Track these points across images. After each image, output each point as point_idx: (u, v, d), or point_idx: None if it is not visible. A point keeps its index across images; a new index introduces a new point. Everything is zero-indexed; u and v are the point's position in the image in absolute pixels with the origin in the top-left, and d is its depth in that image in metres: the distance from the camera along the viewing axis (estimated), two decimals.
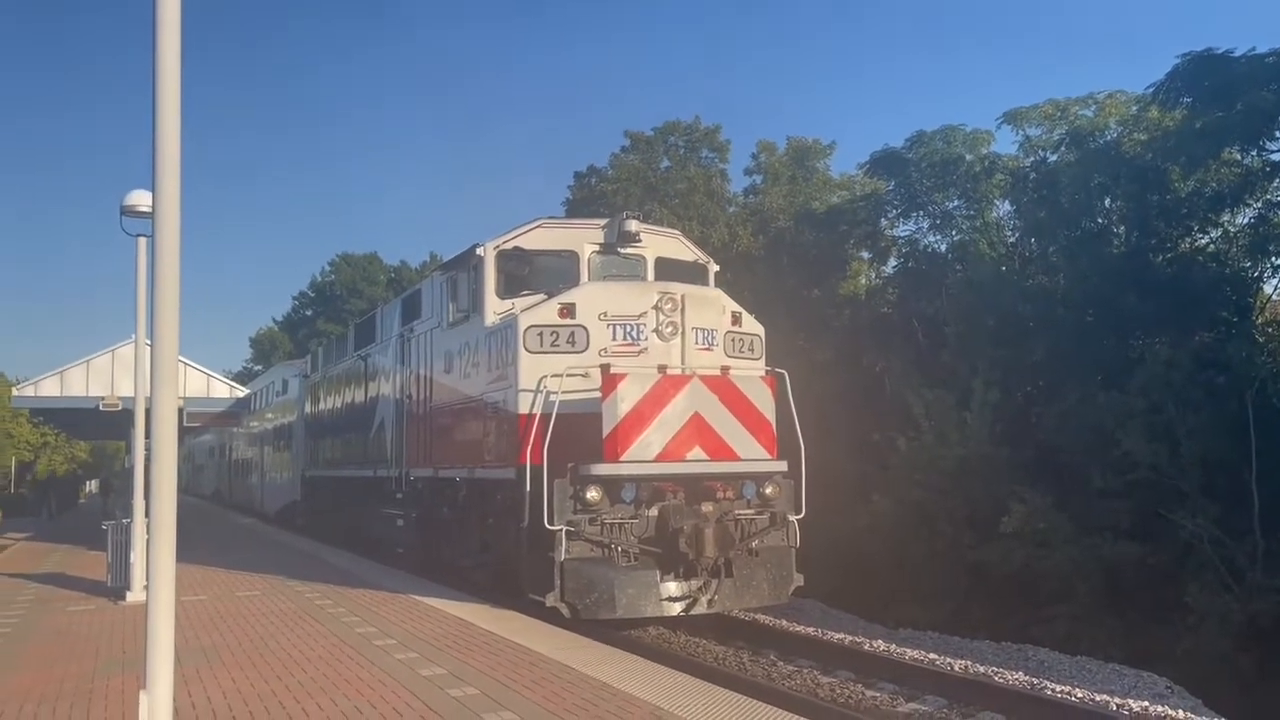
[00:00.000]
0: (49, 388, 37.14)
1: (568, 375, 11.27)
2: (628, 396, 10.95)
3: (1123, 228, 24.47)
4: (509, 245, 12.94)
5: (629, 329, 11.81)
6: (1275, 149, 21.11)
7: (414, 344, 15.82)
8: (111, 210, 12.91)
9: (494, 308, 12.80)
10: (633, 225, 12.84)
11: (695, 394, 11.20)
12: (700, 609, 11.13)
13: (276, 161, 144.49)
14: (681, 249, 13.78)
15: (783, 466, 11.75)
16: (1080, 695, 10.31)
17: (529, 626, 10.46)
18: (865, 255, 34.53)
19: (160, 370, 5.13)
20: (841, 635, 13.71)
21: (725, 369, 11.63)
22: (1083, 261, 23.45)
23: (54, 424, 66.63)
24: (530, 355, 11.73)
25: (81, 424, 52.59)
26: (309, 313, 77.96)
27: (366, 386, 18.68)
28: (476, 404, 12.99)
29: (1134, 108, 25.27)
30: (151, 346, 5.32)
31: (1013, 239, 29.67)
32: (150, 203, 5.61)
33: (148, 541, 5.21)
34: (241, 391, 40.33)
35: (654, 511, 11.36)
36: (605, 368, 11.10)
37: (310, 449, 24.00)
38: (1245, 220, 22.26)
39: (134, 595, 12.71)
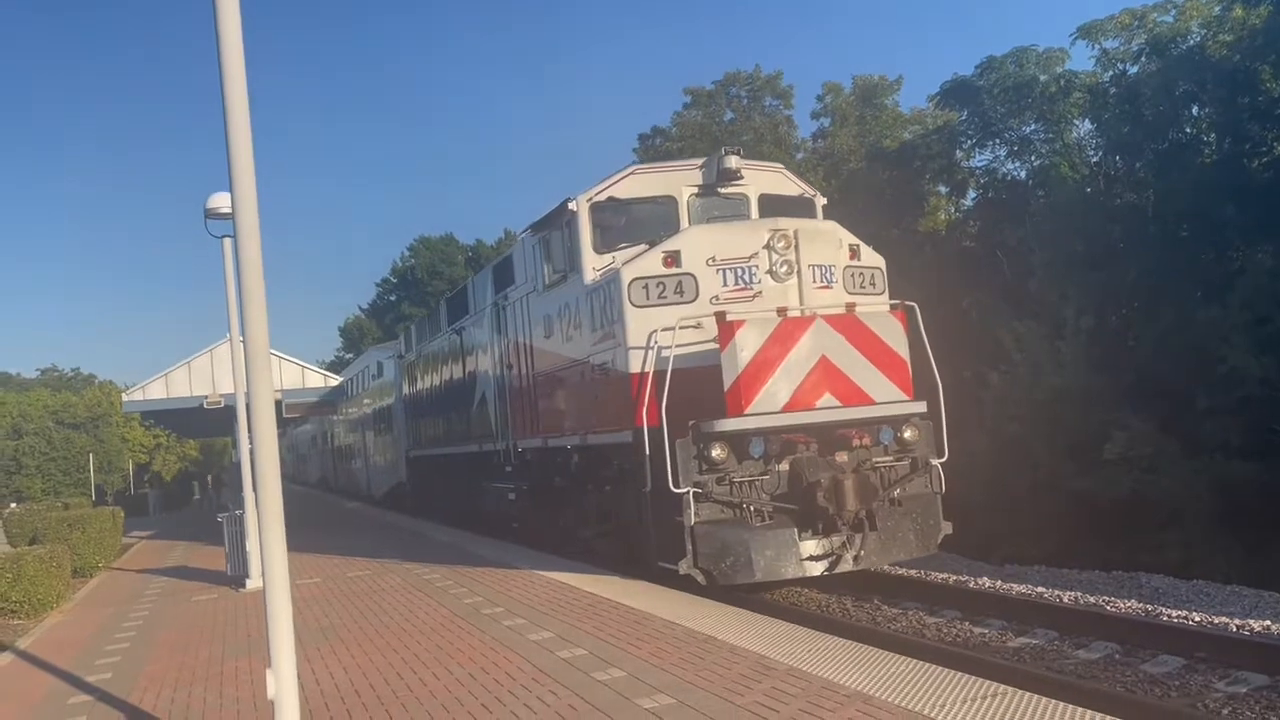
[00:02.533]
0: (155, 390, 38.43)
1: (680, 328, 10.49)
2: (748, 344, 10.09)
3: (1213, 136, 23.17)
4: (602, 196, 12.12)
5: (740, 272, 10.92)
6: None
7: (509, 312, 15.17)
8: (199, 211, 12.67)
9: (592, 264, 12.01)
10: (733, 161, 11.89)
11: (820, 336, 10.28)
12: (845, 567, 10.27)
13: (357, 148, 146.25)
14: (786, 183, 12.79)
15: (921, 407, 10.76)
16: (1198, 619, 9.75)
17: (664, 597, 9.78)
18: (943, 190, 33.21)
19: (254, 365, 5.30)
20: (945, 575, 13.05)
21: (851, 306, 10.69)
22: (1173, 175, 22.26)
23: (163, 425, 69.10)
24: (637, 310, 10.93)
25: (189, 423, 53.91)
26: (393, 298, 78.95)
27: (464, 361, 18.14)
28: (582, 367, 12.26)
29: (1216, 8, 23.86)
30: (244, 343, 5.43)
31: (1095, 159, 28.38)
32: (230, 204, 5.70)
33: (259, 530, 5.34)
34: (335, 380, 40.84)
35: (785, 466, 10.51)
36: (720, 315, 10.23)
37: (412, 429, 23.68)
38: None
39: (253, 582, 12.95)
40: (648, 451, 10.43)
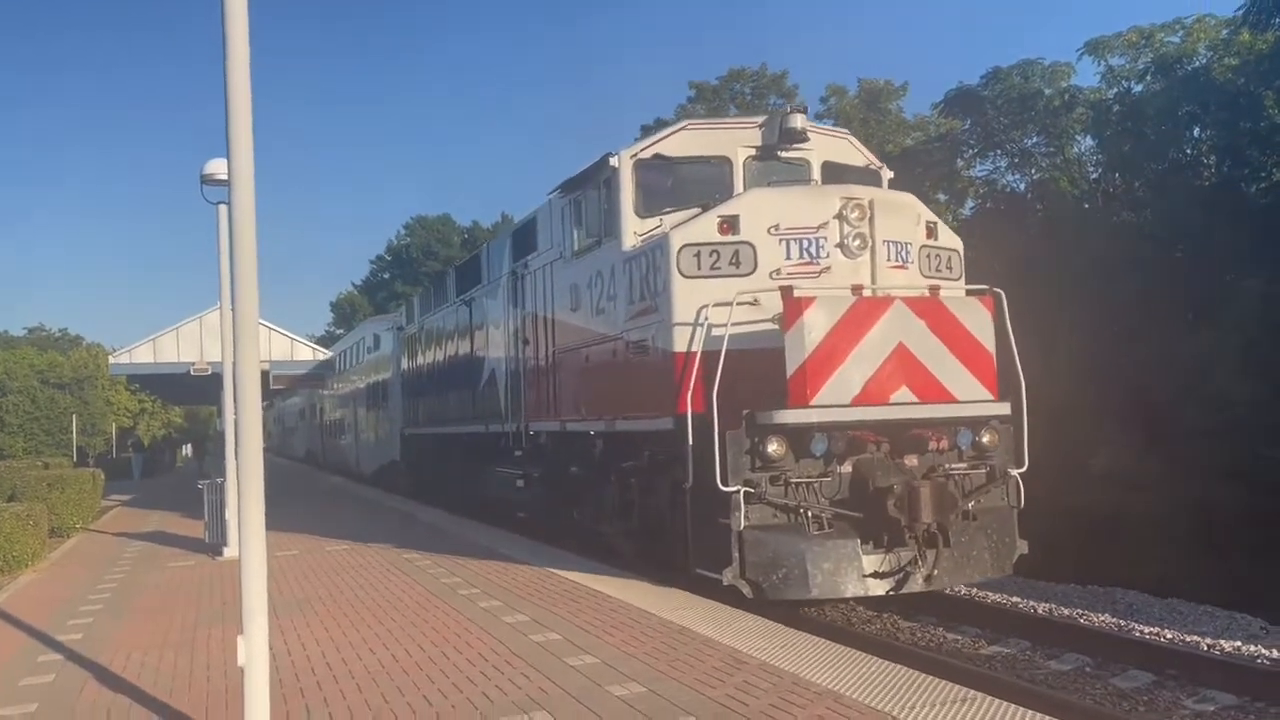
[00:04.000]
0: (143, 355, 37.64)
1: (735, 303, 9.13)
2: (817, 325, 8.71)
3: (1213, 158, 23.09)
4: (648, 152, 10.70)
5: (806, 244, 9.53)
6: None
7: (529, 281, 13.76)
8: (197, 176, 12.74)
9: (633, 228, 10.60)
10: (798, 120, 10.48)
11: (899, 320, 8.90)
12: (913, 587, 8.90)
13: (352, 125, 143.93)
14: (851, 152, 11.40)
15: (1005, 409, 9.38)
16: (1170, 636, 9.72)
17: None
18: (942, 197, 32.76)
19: (242, 334, 5.25)
20: None
21: (935, 289, 9.32)
22: (1171, 195, 22.19)
23: (149, 390, 68.17)
24: (686, 281, 9.54)
25: (175, 389, 53.43)
26: (386, 276, 78.93)
27: (472, 334, 16.71)
28: (614, 344, 10.88)
29: (1224, 32, 23.66)
30: (234, 311, 5.37)
31: (1095, 175, 28.24)
32: (226, 171, 5.43)
33: (239, 499, 5.33)
34: (324, 354, 40.06)
35: (847, 467, 9.19)
36: (788, 290, 8.87)
37: (409, 406, 22.23)
38: None
39: (230, 551, 12.76)
40: (691, 442, 9.09)
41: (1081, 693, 7.85)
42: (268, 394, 51.83)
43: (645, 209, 10.64)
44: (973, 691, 5.83)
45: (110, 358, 45.26)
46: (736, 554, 8.73)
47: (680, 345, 9.47)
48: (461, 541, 13.58)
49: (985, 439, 9.39)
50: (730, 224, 9.55)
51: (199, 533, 14.59)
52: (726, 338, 8.89)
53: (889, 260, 9.63)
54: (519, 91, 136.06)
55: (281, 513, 15.10)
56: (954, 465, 9.33)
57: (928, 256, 10.06)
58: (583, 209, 11.70)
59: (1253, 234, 19.67)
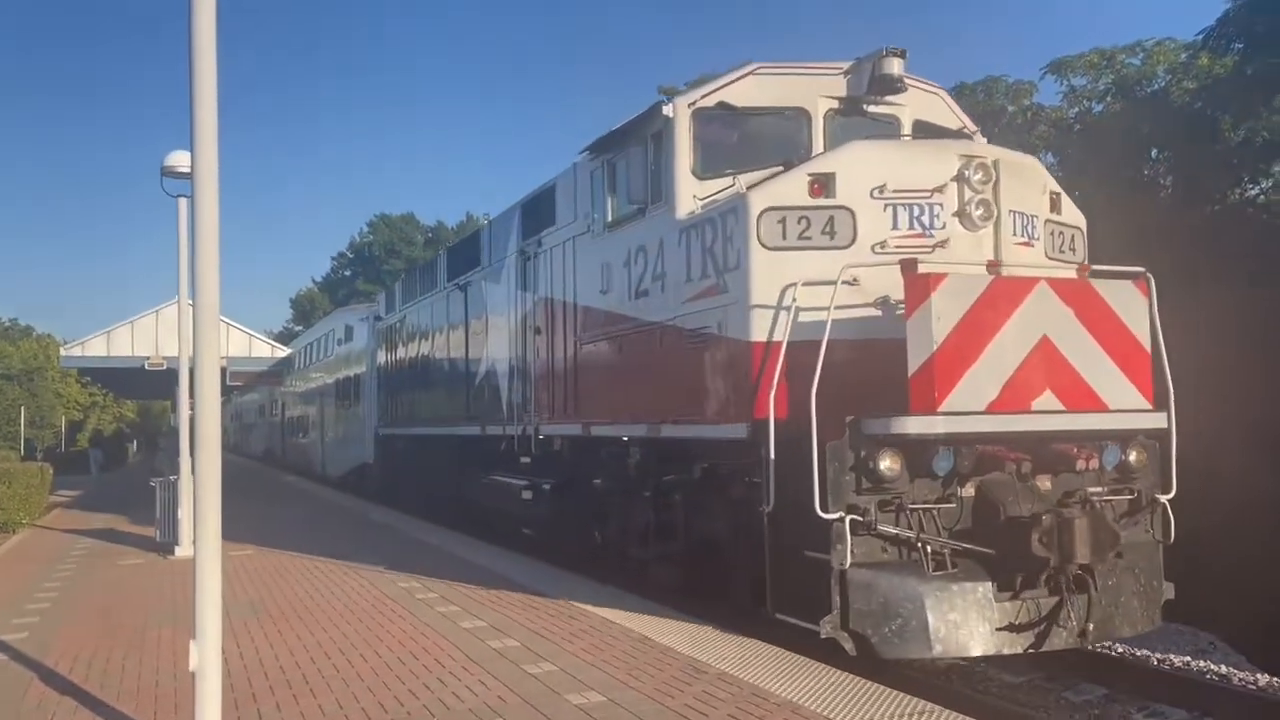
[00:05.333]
0: (96, 348, 36.40)
1: (823, 282, 7.29)
2: (947, 310, 6.84)
3: (1170, 179, 23.33)
4: (710, 100, 8.77)
5: (917, 211, 7.66)
6: None
7: (543, 261, 11.77)
8: (155, 170, 12.44)
9: (691, 191, 8.69)
10: (895, 66, 8.58)
11: (1043, 307, 7.04)
12: (1058, 642, 7.04)
13: (315, 120, 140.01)
14: (945, 112, 9.54)
15: (1162, 420, 7.60)
16: (1120, 650, 9.78)
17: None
18: None
19: (201, 329, 5.14)
20: None
21: (1084, 269, 7.49)
22: (1124, 213, 21.29)
23: (101, 384, 66.05)
24: (768, 254, 7.64)
25: (128, 383, 51.71)
26: (348, 273, 77.77)
27: (468, 323, 14.67)
28: (662, 332, 8.94)
29: (1183, 55, 23.92)
30: (193, 305, 5.22)
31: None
32: (189, 163, 5.27)
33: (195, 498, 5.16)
34: (283, 351, 38.54)
35: (969, 490, 7.34)
36: (910, 265, 7.01)
37: (386, 403, 20.07)
38: None
39: (182, 550, 12.51)
40: (773, 455, 7.19)
41: (1033, 705, 7.74)
42: (224, 390, 49.68)
43: (704, 169, 8.72)
44: (931, 705, 5.80)
45: (62, 350, 43.79)
46: (837, 598, 6.85)
47: (759, 333, 7.56)
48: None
49: (1132, 457, 7.58)
50: (824, 184, 7.66)
51: (150, 530, 14.18)
52: (829, 324, 6.99)
53: (1015, 235, 7.81)
54: (486, 91, 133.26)
55: (240, 521, 14.20)
56: (1093, 488, 7.50)
57: (1052, 233, 8.25)
58: (621, 171, 9.75)
59: (1206, 253, 19.26)
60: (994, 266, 7.13)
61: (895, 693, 6.02)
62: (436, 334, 16.36)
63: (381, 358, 20.54)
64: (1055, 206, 8.37)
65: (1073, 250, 8.50)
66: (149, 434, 68.00)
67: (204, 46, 5.00)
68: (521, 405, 12.28)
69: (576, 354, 10.73)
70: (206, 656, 4.94)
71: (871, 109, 8.91)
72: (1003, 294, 6.94)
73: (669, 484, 9.31)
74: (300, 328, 69.26)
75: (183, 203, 12.24)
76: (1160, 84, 24.34)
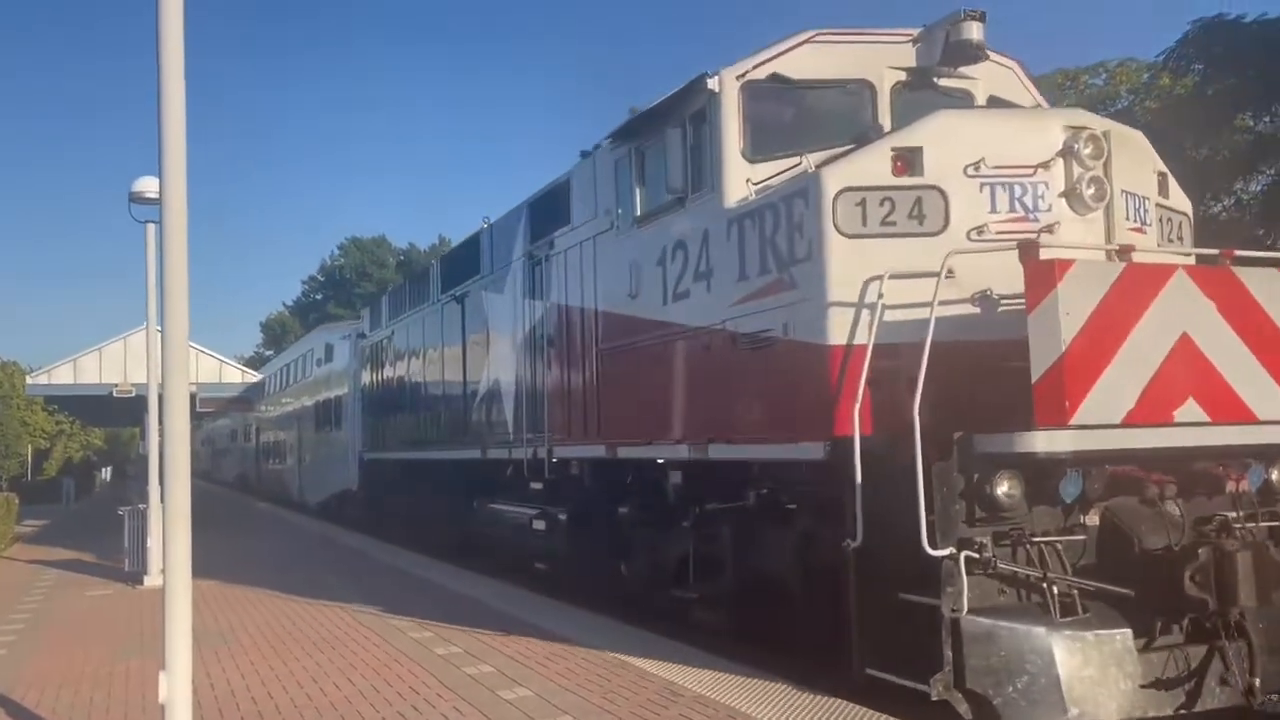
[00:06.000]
0: (62, 375, 35.68)
1: (916, 274, 6.19)
2: (1077, 303, 5.70)
3: None
4: (761, 72, 7.62)
5: (1020, 192, 6.53)
6: None
7: (556, 264, 10.55)
8: (122, 196, 12.42)
9: (742, 175, 7.54)
10: (975, 32, 7.48)
11: (1182, 299, 5.91)
12: (1214, 701, 5.90)
13: (285, 143, 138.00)
14: (1017, 87, 8.40)
15: None
16: None
17: None
18: None
19: (170, 355, 5.09)
20: None
21: (1228, 254, 6.37)
22: None
23: (68, 411, 64.56)
24: (846, 242, 6.48)
25: (96, 411, 50.54)
26: (319, 297, 76.60)
27: (465, 336, 13.41)
28: (708, 338, 7.74)
29: (1145, 75, 24.58)
30: (162, 332, 5.21)
31: None
32: (157, 189, 5.28)
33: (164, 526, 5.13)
34: (254, 376, 37.77)
35: (1093, 518, 6.20)
36: (1030, 249, 5.88)
37: (372, 426, 18.69)
38: (1259, 187, 21.95)
39: (151, 580, 12.36)
40: (859, 479, 6.01)
41: None
42: (195, 418, 48.20)
43: (755, 150, 7.57)
44: None
45: (28, 378, 42.81)
46: (948, 651, 5.66)
47: (837, 335, 6.40)
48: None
49: (1276, 476, 6.47)
50: (909, 160, 6.52)
51: (119, 559, 13.92)
52: (933, 323, 5.84)
53: (1128, 219, 6.71)
54: (458, 113, 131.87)
55: (211, 550, 13.58)
56: (1228, 514, 6.36)
57: (1161, 219, 7.17)
58: (653, 158, 8.58)
59: None
60: (1126, 251, 6.01)
61: (875, 713, 5.86)
62: (430, 350, 15.08)
63: (366, 377, 19.19)
64: (1163, 188, 7.30)
65: (1180, 239, 7.43)
66: (118, 462, 66.04)
67: (172, 72, 4.97)
68: (531, 425, 11.02)
69: (598, 367, 9.51)
70: (176, 688, 4.88)
71: (943, 82, 7.80)
72: (1138, 284, 5.81)
73: (714, 513, 8.11)
74: (271, 352, 68.25)
75: (151, 228, 12.17)
76: (1123, 104, 24.63)
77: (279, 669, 7.62)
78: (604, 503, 9.75)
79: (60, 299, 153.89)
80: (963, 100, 7.82)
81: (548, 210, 10.86)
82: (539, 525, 10.81)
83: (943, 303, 6.21)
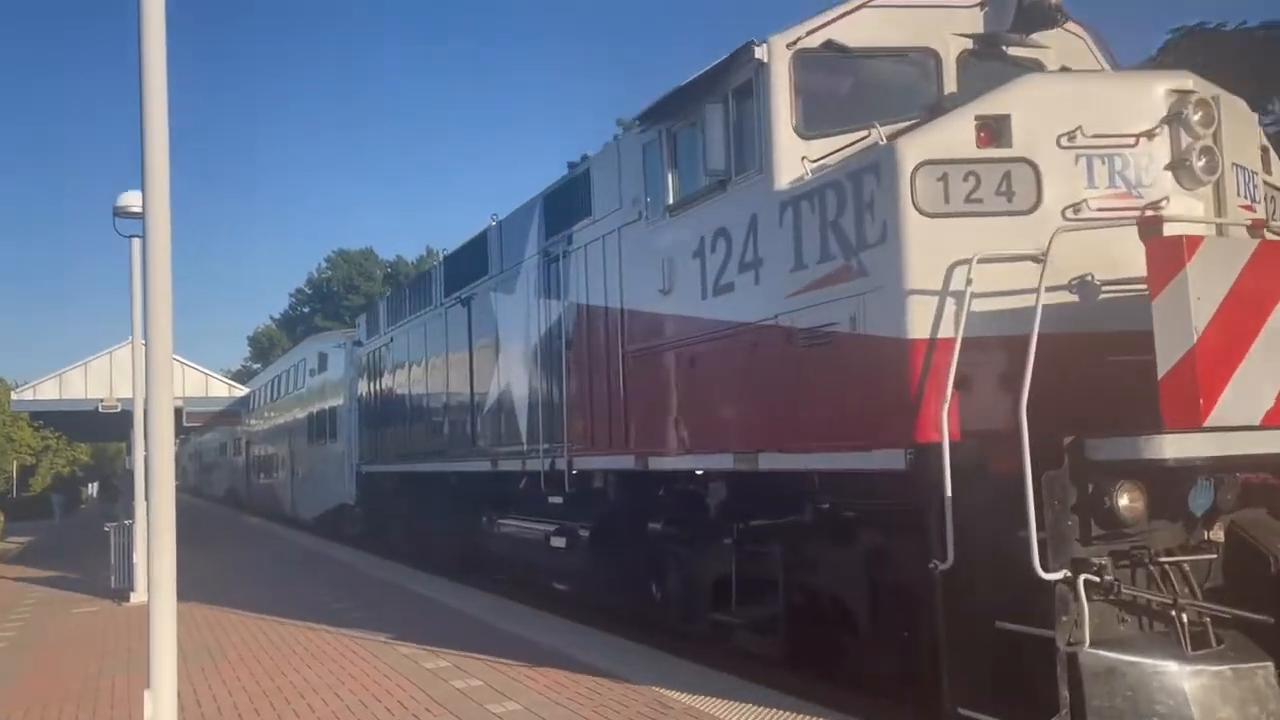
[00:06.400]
0: (48, 390, 35.50)
1: (1008, 257, 5.45)
2: (1208, 286, 4.93)
3: None
4: (815, 40, 6.85)
5: (1120, 164, 5.76)
6: (1269, 123, 18.68)
7: (575, 260, 9.75)
8: (107, 211, 12.50)
9: (795, 153, 6.75)
10: None
11: None
12: None
13: (271, 155, 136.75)
14: (1089, 59, 7.68)
15: None
16: None
17: None
18: None
19: (155, 370, 5.07)
20: None
21: None
22: None
23: (54, 427, 63.74)
24: (926, 222, 5.69)
25: (81, 426, 49.89)
26: (306, 310, 76.20)
27: (472, 341, 12.58)
28: (757, 334, 6.92)
29: None
30: (146, 346, 5.18)
31: None
32: (142, 203, 5.21)
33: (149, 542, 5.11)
34: (241, 390, 37.28)
35: (1217, 533, 5.43)
36: (1152, 224, 5.11)
37: (369, 437, 17.82)
38: None
39: (138, 596, 12.10)
40: (948, 492, 5.22)
41: None
42: (181, 431, 47.48)
43: (808, 125, 6.79)
44: None
45: (13, 394, 42.20)
46: (1066, 691, 4.86)
47: (918, 327, 5.60)
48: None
49: None
50: (996, 129, 5.75)
51: (106, 577, 13.69)
52: (1039, 312, 5.06)
53: (1238, 195, 5.95)
54: (445, 124, 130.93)
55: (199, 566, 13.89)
56: None
57: (1268, 197, 6.43)
58: (688, 140, 7.79)
59: None
60: (1258, 227, 5.25)
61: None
62: (433, 356, 14.23)
63: (363, 387, 18.31)
64: (1266, 164, 6.54)
65: (1274, 217, 6.66)
66: (104, 477, 64.98)
67: (154, 86, 4.95)
68: (548, 435, 10.19)
69: (625, 370, 8.69)
70: (162, 705, 4.84)
71: (1013, 51, 7.05)
72: (1273, 263, 5.05)
73: (761, 529, 7.31)
74: (259, 366, 67.66)
75: (136, 243, 12.05)
76: None
77: (266, 685, 7.51)
78: (631, 518, 8.93)
79: (46, 314, 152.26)
80: (1035, 71, 7.06)
81: (565, 203, 10.05)
82: (558, 542, 9.97)
83: (1032, 290, 5.46)
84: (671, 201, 8.01)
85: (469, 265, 12.90)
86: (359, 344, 18.88)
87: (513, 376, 11.27)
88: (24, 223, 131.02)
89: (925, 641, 5.81)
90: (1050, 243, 5.17)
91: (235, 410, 36.37)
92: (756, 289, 6.91)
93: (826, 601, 6.80)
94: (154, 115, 4.96)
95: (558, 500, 9.94)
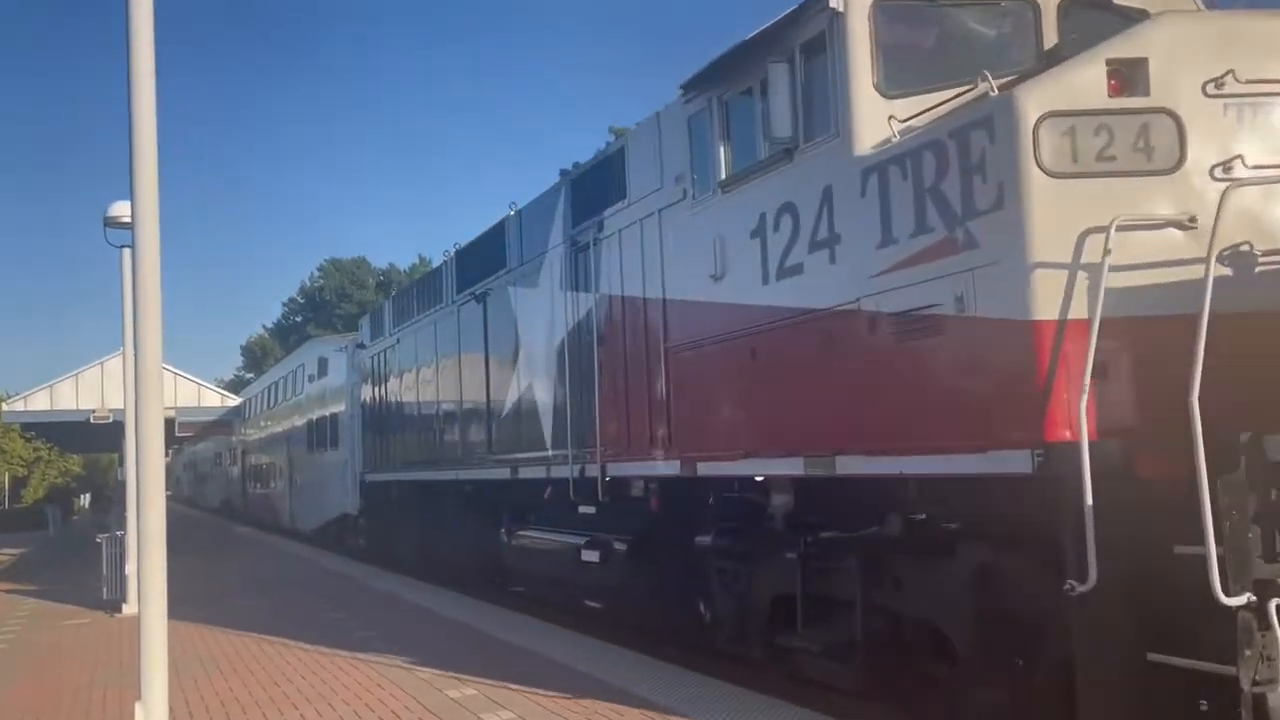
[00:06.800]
0: (39, 402, 35.45)
1: (1154, 223, 4.63)
2: None
3: None
4: None
5: (1278, 115, 5.02)
6: None
7: (607, 248, 8.88)
8: (98, 221, 12.39)
9: (878, 113, 5.89)
10: None
11: None
12: None
13: (263, 163, 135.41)
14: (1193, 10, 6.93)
15: None
16: None
17: None
18: None
19: (144, 380, 5.08)
20: None
21: None
22: None
23: (46, 438, 63.01)
24: (1053, 184, 4.84)
25: (73, 437, 49.29)
26: (299, 319, 76.08)
27: (488, 339, 11.68)
28: (830, 322, 6.10)
29: None
30: (135, 356, 5.20)
31: None
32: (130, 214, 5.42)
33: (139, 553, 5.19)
34: (234, 400, 36.48)
35: None
36: None
37: (374, 444, 16.87)
38: None
39: (130, 607, 11.75)
40: (1089, 499, 4.37)
41: None
42: (173, 441, 46.66)
43: (891, 84, 5.94)
44: None
45: (4, 405, 41.58)
46: None
47: (1045, 307, 4.75)
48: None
49: None
50: (1130, 75, 4.90)
51: (97, 588, 13.50)
52: (1210, 285, 4.22)
53: None
54: (437, 133, 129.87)
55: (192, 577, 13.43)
56: None
57: None
58: (740, 108, 6.95)
59: None
60: None
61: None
62: (444, 357, 13.33)
63: (367, 392, 17.39)
64: None
65: None
66: (96, 488, 64.03)
67: (143, 96, 4.99)
68: (577, 439, 9.31)
69: (667, 366, 7.83)
70: (153, 717, 4.85)
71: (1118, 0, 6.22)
72: None
73: (835, 543, 6.44)
74: (251, 375, 67.17)
75: (126, 253, 11.85)
76: None
77: (259, 695, 7.36)
78: (676, 530, 8.04)
79: (36, 325, 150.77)
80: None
81: (596, 186, 9.19)
82: (589, 556, 9.08)
83: (1177, 262, 4.65)
84: (724, 177, 7.15)
85: (484, 259, 12.02)
86: (362, 346, 17.97)
87: (535, 377, 10.40)
88: (14, 232, 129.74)
89: (1046, 674, 4.97)
90: (1224, 201, 4.33)
91: (230, 419, 35.63)
92: (832, 270, 6.05)
93: (916, 626, 5.93)
94: (142, 126, 4.98)
95: (589, 510, 9.06)
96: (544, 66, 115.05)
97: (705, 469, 7.35)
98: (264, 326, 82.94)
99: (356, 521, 18.68)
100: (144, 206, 5.05)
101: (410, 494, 15.26)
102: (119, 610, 12.18)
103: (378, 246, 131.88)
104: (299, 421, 24.00)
